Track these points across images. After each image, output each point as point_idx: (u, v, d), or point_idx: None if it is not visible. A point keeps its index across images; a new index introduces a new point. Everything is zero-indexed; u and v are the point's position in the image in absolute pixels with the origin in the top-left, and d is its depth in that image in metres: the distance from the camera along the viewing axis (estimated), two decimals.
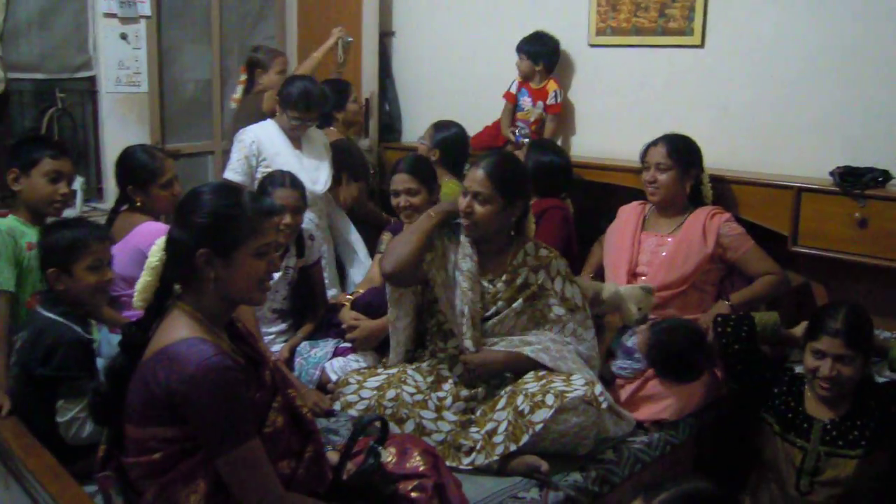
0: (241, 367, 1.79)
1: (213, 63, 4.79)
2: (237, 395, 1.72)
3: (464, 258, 2.70)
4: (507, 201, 2.65)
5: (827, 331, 2.50)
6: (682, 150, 3.22)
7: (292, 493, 1.80)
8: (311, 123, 3.79)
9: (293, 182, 3.10)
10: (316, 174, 3.78)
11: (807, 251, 3.24)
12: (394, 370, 2.70)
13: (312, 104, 3.71)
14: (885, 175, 3.14)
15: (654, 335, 2.89)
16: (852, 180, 3.13)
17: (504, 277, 2.71)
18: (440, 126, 3.92)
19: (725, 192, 3.44)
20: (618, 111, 3.99)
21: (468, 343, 2.63)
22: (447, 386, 2.66)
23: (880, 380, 2.74)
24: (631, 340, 2.96)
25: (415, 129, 4.74)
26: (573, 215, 3.64)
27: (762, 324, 2.79)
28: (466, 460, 2.47)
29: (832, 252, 3.18)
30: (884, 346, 2.73)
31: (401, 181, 3.22)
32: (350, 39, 4.63)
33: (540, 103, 4.08)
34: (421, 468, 2.12)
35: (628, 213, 3.39)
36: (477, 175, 2.65)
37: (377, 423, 2.08)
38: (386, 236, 3.42)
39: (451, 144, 3.83)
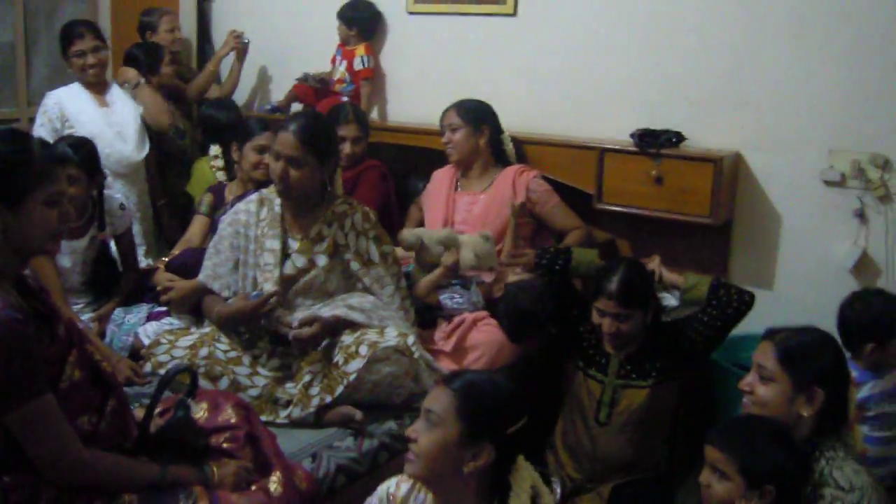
0: (32, 321, 1.73)
1: (16, 25, 4.51)
2: (27, 349, 1.66)
3: (271, 237, 2.70)
4: (320, 161, 2.64)
5: (604, 292, 2.66)
6: (470, 110, 3.40)
7: (92, 449, 1.76)
8: (100, 52, 3.68)
9: (76, 148, 2.89)
10: (130, 138, 3.67)
11: (610, 208, 3.44)
12: (207, 329, 2.67)
13: (86, 25, 3.63)
14: (679, 136, 3.37)
15: (506, 292, 3.00)
16: (649, 141, 3.36)
17: (302, 233, 2.72)
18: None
19: (534, 153, 3.60)
20: (434, 77, 4.06)
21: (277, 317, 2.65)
22: (262, 343, 2.65)
23: (672, 303, 2.95)
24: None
25: (238, 96, 4.65)
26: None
27: (579, 258, 2.94)
28: (283, 413, 2.49)
29: (633, 208, 3.39)
30: (677, 283, 2.94)
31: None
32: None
33: (345, 62, 4.12)
34: (233, 420, 2.12)
35: (441, 176, 3.51)
36: (287, 139, 2.61)
37: (186, 377, 2.06)
38: (207, 197, 3.39)
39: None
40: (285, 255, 2.71)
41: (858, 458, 2.01)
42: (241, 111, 4.27)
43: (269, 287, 2.64)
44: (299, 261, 2.70)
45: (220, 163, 3.80)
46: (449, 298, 3.04)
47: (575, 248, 3.03)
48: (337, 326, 2.59)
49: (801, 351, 2.00)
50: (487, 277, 3.18)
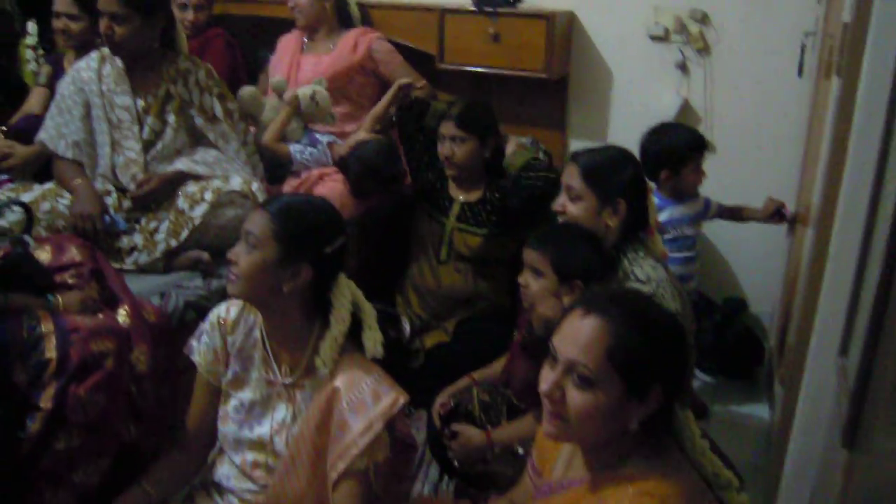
0: None
1: None
2: None
3: (120, 93, 2.69)
4: (144, 16, 2.62)
5: (445, 117, 2.90)
6: None
7: None
8: None
9: None
10: None
11: (452, 67, 3.57)
12: (50, 184, 2.68)
13: None
14: None
15: (354, 148, 3.12)
16: (487, 1, 3.48)
17: (151, 92, 2.73)
18: None
19: (378, 16, 3.67)
20: None
21: (127, 180, 2.68)
22: (110, 199, 2.68)
23: None
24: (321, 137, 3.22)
25: None
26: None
27: (436, 108, 3.13)
28: (129, 259, 2.55)
29: (473, 66, 3.53)
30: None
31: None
32: None
33: None
34: (77, 258, 2.18)
35: (287, 41, 3.56)
36: None
37: (16, 209, 2.08)
38: (45, 68, 3.30)
39: None
40: (139, 114, 2.72)
41: (658, 259, 2.24)
42: None
43: (131, 147, 2.67)
44: (152, 123, 2.72)
45: (31, 41, 3.58)
46: (299, 152, 3.14)
47: (435, 102, 3.20)
48: (180, 180, 2.66)
49: (603, 167, 2.18)
50: (324, 127, 3.31)
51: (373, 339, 1.80)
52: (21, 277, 2.00)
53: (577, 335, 1.35)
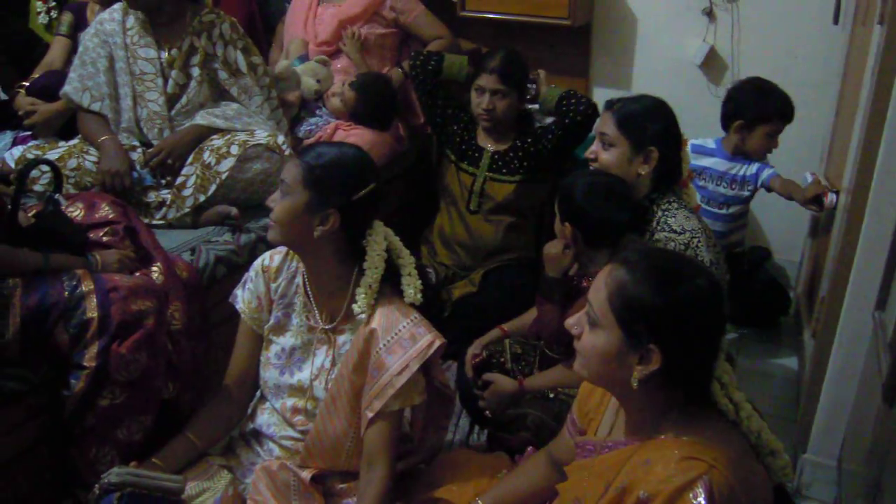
0: None
1: None
2: None
3: (143, 46, 2.66)
4: None
5: (485, 69, 2.86)
6: None
7: None
8: None
9: None
10: None
11: (474, 15, 3.52)
12: (75, 140, 2.66)
13: None
14: None
15: (357, 80, 3.13)
16: None
17: (175, 44, 2.69)
18: None
19: None
20: None
21: (154, 135, 2.67)
22: (135, 154, 2.66)
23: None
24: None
25: None
26: None
27: (451, 60, 3.08)
28: (158, 214, 2.55)
29: (496, 14, 3.49)
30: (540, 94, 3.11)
31: None
32: None
33: None
34: (110, 216, 2.18)
35: None
36: None
37: (43, 168, 2.06)
38: (66, 17, 3.25)
39: None
40: (162, 67, 2.69)
41: (692, 210, 2.23)
42: None
43: (154, 100, 2.66)
44: (177, 76, 2.69)
45: None
46: (306, 130, 3.13)
47: (446, 54, 3.14)
48: (200, 135, 2.64)
49: (637, 115, 2.17)
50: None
51: (412, 286, 1.83)
52: (57, 237, 2.00)
53: (598, 279, 1.42)
